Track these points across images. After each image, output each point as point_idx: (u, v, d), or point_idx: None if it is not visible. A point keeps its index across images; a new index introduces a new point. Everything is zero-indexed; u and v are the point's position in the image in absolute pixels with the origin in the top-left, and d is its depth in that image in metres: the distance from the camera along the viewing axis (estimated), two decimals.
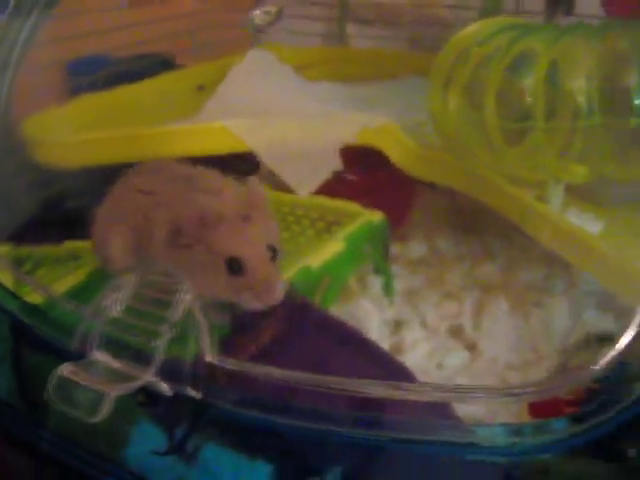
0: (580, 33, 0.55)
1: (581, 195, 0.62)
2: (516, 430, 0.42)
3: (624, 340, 0.40)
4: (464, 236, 0.72)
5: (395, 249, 0.70)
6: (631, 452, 0.41)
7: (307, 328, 0.54)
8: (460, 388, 0.50)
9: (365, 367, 0.53)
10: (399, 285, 0.66)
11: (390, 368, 0.53)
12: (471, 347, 0.61)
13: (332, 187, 0.66)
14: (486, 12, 0.81)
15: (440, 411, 0.45)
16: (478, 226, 0.72)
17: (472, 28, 0.59)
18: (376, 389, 0.42)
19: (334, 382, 0.43)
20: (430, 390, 0.44)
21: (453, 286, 0.66)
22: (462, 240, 0.71)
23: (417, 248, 0.70)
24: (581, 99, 0.53)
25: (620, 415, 0.40)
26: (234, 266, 0.49)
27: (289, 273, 0.55)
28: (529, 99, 0.55)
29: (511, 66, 0.56)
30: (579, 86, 0.53)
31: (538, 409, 0.46)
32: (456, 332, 0.62)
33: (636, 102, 0.52)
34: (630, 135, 0.53)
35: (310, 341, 0.54)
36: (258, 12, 0.76)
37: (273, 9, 0.76)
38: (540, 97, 0.54)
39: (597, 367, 0.40)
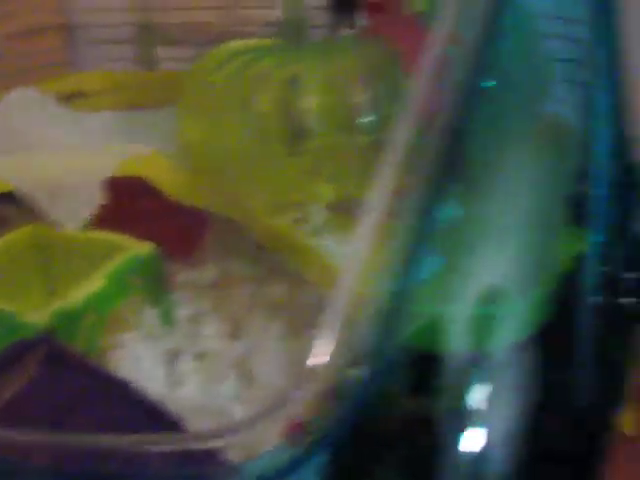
0: (311, 52, 0.55)
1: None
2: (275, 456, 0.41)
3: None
4: (258, 257, 0.71)
5: (184, 276, 0.69)
6: None
7: (63, 377, 0.52)
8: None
9: (121, 420, 0.51)
10: (182, 312, 0.65)
11: (149, 414, 0.52)
12: (246, 373, 0.60)
13: (107, 220, 0.65)
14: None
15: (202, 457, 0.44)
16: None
17: (210, 55, 0.58)
18: (116, 444, 0.41)
19: (72, 439, 0.41)
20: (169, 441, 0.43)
21: (236, 310, 0.65)
22: (255, 261, 0.70)
23: (206, 274, 0.69)
24: (313, 118, 0.53)
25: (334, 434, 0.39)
26: None
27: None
28: (266, 122, 0.54)
29: (248, 89, 0.55)
30: (309, 106, 0.53)
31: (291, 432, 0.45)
32: (232, 358, 0.61)
33: (364, 120, 0.52)
34: (364, 153, 0.53)
35: (64, 390, 0.52)
36: None
37: None
38: (273, 119, 0.54)
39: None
